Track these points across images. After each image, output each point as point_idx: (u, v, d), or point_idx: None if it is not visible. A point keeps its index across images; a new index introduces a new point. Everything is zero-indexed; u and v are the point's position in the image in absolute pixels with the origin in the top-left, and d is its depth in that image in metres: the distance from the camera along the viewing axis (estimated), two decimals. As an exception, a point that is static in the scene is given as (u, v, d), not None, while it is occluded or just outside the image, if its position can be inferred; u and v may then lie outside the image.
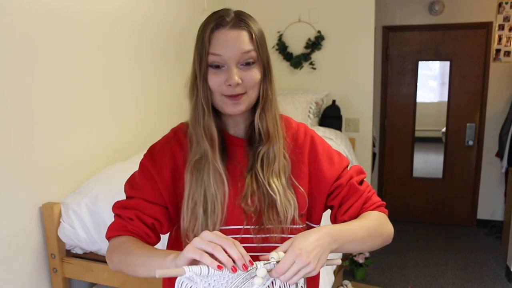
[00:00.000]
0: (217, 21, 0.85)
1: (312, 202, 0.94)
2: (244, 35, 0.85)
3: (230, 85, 0.83)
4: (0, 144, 1.48)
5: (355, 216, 0.93)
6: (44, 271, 1.70)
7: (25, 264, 1.62)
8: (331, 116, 3.20)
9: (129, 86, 2.22)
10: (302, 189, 0.92)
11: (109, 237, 0.90)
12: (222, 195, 0.87)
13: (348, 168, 0.99)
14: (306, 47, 3.29)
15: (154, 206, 0.89)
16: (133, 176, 0.95)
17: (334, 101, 3.25)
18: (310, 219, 0.96)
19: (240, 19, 0.85)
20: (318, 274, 0.96)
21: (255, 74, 0.86)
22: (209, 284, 0.70)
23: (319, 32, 3.24)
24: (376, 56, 3.74)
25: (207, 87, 0.86)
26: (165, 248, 0.99)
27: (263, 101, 0.89)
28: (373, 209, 0.94)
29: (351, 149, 3.04)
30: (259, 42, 0.86)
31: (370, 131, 3.35)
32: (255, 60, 0.86)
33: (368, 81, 3.24)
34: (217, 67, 0.84)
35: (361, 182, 0.97)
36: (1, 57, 1.47)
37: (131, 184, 0.94)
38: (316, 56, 3.29)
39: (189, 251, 0.68)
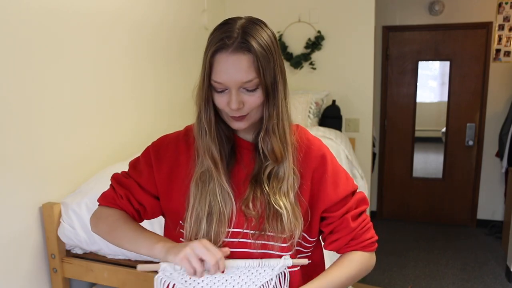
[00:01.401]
0: (219, 44, 0.80)
1: (311, 216, 0.94)
2: (244, 61, 0.79)
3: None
4: (0, 144, 1.48)
5: (339, 248, 0.96)
6: (44, 271, 1.70)
7: (25, 264, 1.62)
8: (331, 116, 3.20)
9: (129, 86, 2.22)
10: (306, 203, 0.92)
11: (100, 204, 1.00)
12: (229, 211, 0.88)
13: (354, 194, 0.97)
14: (306, 47, 3.29)
15: (144, 194, 0.96)
16: (138, 158, 1.01)
17: (334, 101, 3.25)
18: (310, 233, 0.95)
19: (244, 40, 0.79)
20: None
21: (257, 98, 0.83)
22: (185, 281, 0.86)
23: (319, 32, 3.24)
24: (376, 56, 3.74)
25: (209, 108, 0.86)
26: (162, 230, 1.05)
27: (266, 124, 0.86)
28: (360, 248, 0.95)
29: (351, 149, 3.04)
30: (262, 65, 0.80)
31: (370, 131, 3.35)
32: (257, 86, 0.82)
33: (368, 81, 3.24)
34: (221, 90, 0.84)
35: (360, 214, 0.96)
36: (1, 57, 1.47)
37: (134, 164, 1.01)
38: (316, 56, 3.29)
39: (184, 261, 0.80)
